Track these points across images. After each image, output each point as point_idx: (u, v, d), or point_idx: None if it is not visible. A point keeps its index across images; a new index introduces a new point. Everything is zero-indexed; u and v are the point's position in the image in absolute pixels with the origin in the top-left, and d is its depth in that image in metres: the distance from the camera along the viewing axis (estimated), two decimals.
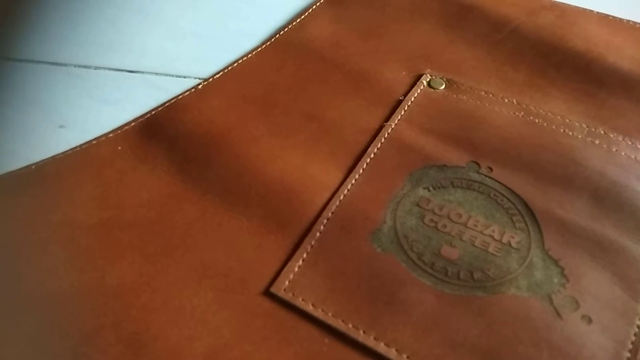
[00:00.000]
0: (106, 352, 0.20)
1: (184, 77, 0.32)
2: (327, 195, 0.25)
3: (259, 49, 0.34)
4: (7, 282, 0.22)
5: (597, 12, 0.35)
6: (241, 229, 0.24)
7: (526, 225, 0.24)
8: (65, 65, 0.33)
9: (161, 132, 0.29)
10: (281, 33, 0.35)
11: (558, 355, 0.20)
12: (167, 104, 0.30)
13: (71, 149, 0.28)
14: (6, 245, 0.23)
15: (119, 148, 0.28)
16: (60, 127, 0.29)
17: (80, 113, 0.30)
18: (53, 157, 0.27)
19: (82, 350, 0.20)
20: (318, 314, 0.21)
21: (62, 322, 0.21)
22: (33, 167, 0.27)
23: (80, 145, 0.28)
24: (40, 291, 0.22)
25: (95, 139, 0.28)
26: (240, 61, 0.33)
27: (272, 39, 0.34)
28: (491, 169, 0.26)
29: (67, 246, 0.23)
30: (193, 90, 0.31)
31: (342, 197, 0.25)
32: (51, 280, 0.22)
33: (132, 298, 0.22)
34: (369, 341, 0.20)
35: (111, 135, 0.29)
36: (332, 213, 0.24)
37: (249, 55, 0.33)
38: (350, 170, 0.26)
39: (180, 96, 0.31)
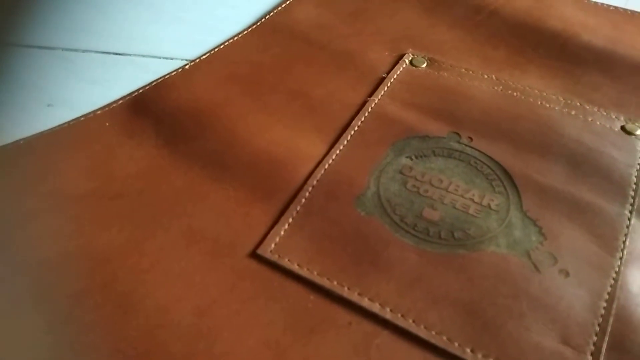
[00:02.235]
0: (96, 311, 0.20)
1: (171, 58, 0.33)
2: (312, 165, 0.26)
3: (245, 32, 0.34)
4: (4, 248, 0.22)
5: None
6: (228, 198, 0.25)
7: (505, 189, 0.24)
8: (54, 48, 0.33)
9: (148, 109, 0.29)
10: (267, 17, 0.35)
11: (537, 306, 0.20)
12: (154, 82, 0.31)
13: (59, 125, 0.28)
14: (0, 216, 0.23)
15: (107, 124, 0.28)
16: (49, 105, 0.30)
17: (68, 93, 0.31)
18: (41, 133, 0.27)
19: (72, 311, 0.20)
20: (304, 272, 0.21)
21: (52, 286, 0.21)
22: (21, 142, 0.27)
23: (69, 122, 0.28)
24: (31, 257, 0.22)
25: (83, 115, 0.29)
26: (226, 43, 0.33)
27: (258, 23, 0.35)
28: (471, 139, 0.27)
29: (56, 215, 0.24)
30: (180, 70, 0.31)
31: (326, 166, 0.25)
32: (40, 247, 0.22)
33: (120, 262, 0.22)
34: (354, 296, 0.21)
35: (99, 112, 0.29)
36: (317, 181, 0.25)
37: (235, 38, 0.34)
38: (335, 142, 0.27)
39: (167, 76, 0.31)
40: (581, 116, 0.28)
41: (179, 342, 0.19)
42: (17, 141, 0.27)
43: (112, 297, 0.21)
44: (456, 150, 0.26)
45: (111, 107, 0.29)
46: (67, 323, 0.20)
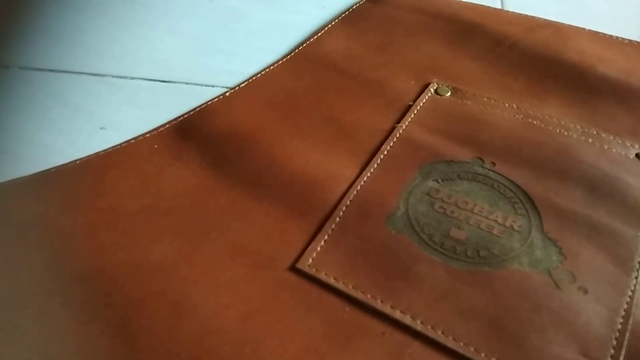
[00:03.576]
0: (152, 317, 0.22)
1: (212, 86, 0.36)
2: (345, 186, 0.28)
3: (280, 62, 0.37)
4: (61, 260, 0.24)
5: (589, 30, 0.38)
6: (268, 215, 0.27)
7: (527, 211, 0.26)
8: (104, 75, 0.36)
9: (193, 133, 0.31)
10: (300, 48, 0.38)
11: (557, 320, 0.22)
12: (198, 108, 0.33)
13: (112, 147, 0.30)
14: (59, 229, 0.26)
15: (155, 146, 0.31)
16: (101, 129, 0.32)
17: (118, 117, 0.33)
18: (96, 153, 0.30)
19: (130, 316, 0.22)
20: (339, 286, 0.23)
21: (111, 293, 0.23)
22: (78, 162, 0.29)
23: (120, 144, 0.31)
24: (91, 267, 0.24)
25: (133, 138, 0.31)
26: (262, 72, 0.36)
27: (292, 53, 0.38)
28: (494, 164, 0.29)
29: (113, 228, 0.26)
30: (221, 97, 0.34)
31: (359, 187, 0.27)
32: (100, 258, 0.24)
33: (173, 272, 0.24)
34: (386, 309, 0.22)
35: (148, 135, 0.31)
36: (350, 201, 0.27)
37: (271, 67, 0.36)
38: (366, 165, 0.29)
39: (210, 102, 0.34)
40: (598, 144, 0.29)
41: (227, 346, 0.21)
42: (74, 161, 0.30)
43: (166, 305, 0.23)
44: (480, 174, 0.28)
45: (159, 130, 0.32)
46: (126, 327, 0.22)
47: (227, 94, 0.34)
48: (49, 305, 0.23)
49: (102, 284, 0.23)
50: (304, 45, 0.38)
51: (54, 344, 0.22)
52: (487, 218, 0.26)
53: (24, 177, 0.28)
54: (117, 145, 0.31)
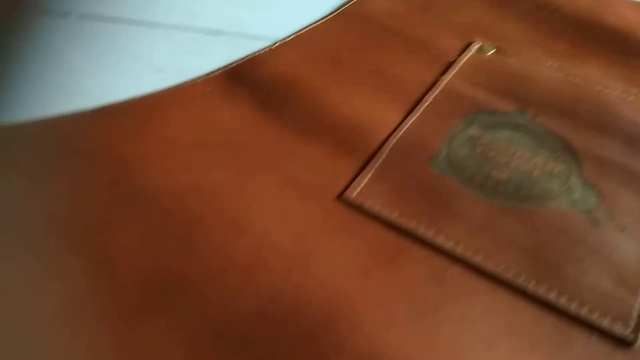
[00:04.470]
0: (211, 230, 0.24)
1: (261, 38, 0.37)
2: (389, 130, 0.29)
3: (326, 18, 0.38)
4: (125, 180, 0.26)
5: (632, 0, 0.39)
6: (315, 153, 0.28)
7: (566, 159, 0.27)
8: (160, 24, 0.38)
9: (243, 79, 0.33)
10: (345, 6, 0.39)
11: (593, 253, 0.23)
12: (248, 57, 0.35)
13: (167, 87, 0.32)
14: (122, 154, 0.28)
15: (208, 89, 0.32)
16: (157, 72, 0.34)
17: (173, 64, 0.35)
18: (154, 92, 0.32)
19: (191, 228, 0.24)
20: (384, 214, 0.25)
21: (170, 212, 0.25)
22: (137, 98, 0.31)
23: (175, 85, 0.32)
24: (154, 186, 0.26)
25: (186, 81, 0.33)
26: (309, 28, 0.37)
27: (337, 11, 0.39)
28: (535, 116, 0.29)
29: (172, 157, 0.27)
30: (269, 48, 0.35)
31: (402, 131, 0.29)
32: (161, 179, 0.26)
33: (227, 195, 0.26)
34: (429, 235, 0.24)
35: (200, 80, 0.33)
36: (395, 142, 0.28)
37: (317, 23, 0.38)
38: (409, 112, 0.30)
39: (259, 52, 0.35)
40: (637, 101, 0.30)
41: (280, 260, 0.23)
42: (134, 97, 0.31)
43: (224, 221, 0.24)
44: (521, 125, 0.29)
45: (211, 75, 0.33)
46: (188, 237, 0.24)
47: (275, 46, 0.36)
48: (114, 218, 0.25)
49: (164, 201, 0.25)
50: (350, 3, 0.39)
51: (119, 252, 0.23)
52: (527, 163, 0.27)
53: (87, 109, 0.30)
54: (173, 86, 0.32)
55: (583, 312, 0.21)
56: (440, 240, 0.24)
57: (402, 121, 0.29)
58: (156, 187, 0.26)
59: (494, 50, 0.34)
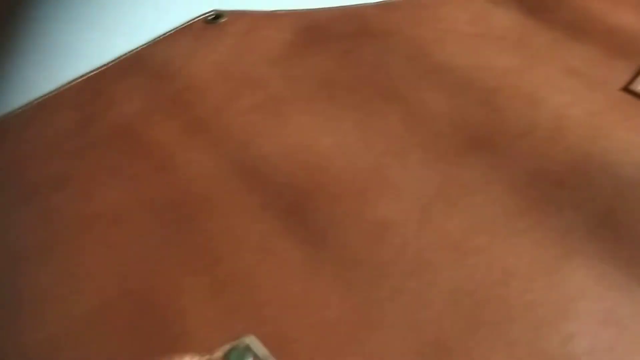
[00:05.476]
0: (511, 101, 0.27)
1: None
2: None
3: None
4: (422, 57, 0.30)
5: None
6: (591, 52, 0.30)
7: None
8: None
9: None
10: None
11: None
12: None
13: None
14: (412, 39, 0.31)
15: None
16: None
17: None
18: None
19: (491, 99, 0.27)
20: None
21: (470, 82, 0.28)
22: None
23: None
24: (448, 64, 0.29)
25: None
26: None
27: None
28: None
29: (455, 43, 0.31)
30: None
31: None
32: (452, 59, 0.30)
33: (518, 76, 0.28)
34: None
35: None
36: None
37: None
38: None
39: None
40: None
41: (582, 128, 0.25)
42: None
43: (521, 94, 0.27)
44: None
45: None
46: (493, 106, 0.27)
47: None
48: (420, 85, 0.28)
49: (462, 73, 0.29)
50: None
51: (431, 103, 0.27)
52: None
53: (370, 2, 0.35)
54: None
55: None
56: None
57: None
58: (451, 63, 0.29)
59: None
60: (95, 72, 0.31)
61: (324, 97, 0.28)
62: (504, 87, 0.28)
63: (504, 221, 0.22)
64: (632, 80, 0.28)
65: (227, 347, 0.19)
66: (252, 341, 0.19)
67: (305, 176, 0.25)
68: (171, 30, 0.33)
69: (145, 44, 0.32)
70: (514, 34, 0.32)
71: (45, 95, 0.30)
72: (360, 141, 0.26)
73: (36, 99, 0.30)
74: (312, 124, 0.27)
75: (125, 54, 0.32)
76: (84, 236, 0.23)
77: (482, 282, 0.20)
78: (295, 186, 0.24)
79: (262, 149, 0.26)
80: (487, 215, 0.22)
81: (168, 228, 0.23)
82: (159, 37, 0.33)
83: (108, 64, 0.31)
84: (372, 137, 0.26)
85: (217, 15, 0.34)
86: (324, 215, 0.23)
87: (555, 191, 0.23)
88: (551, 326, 0.19)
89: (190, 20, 0.34)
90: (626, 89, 0.27)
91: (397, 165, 0.25)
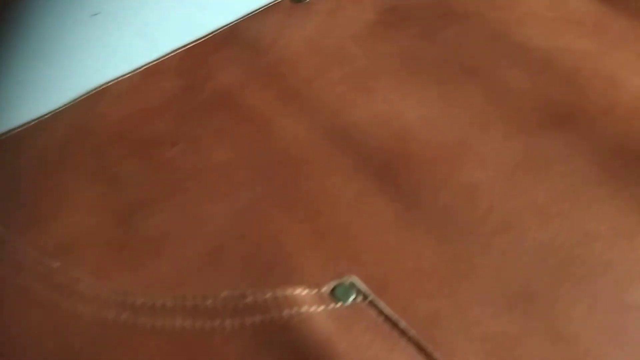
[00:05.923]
0: (591, 81, 0.28)
1: None
2: None
3: None
4: (504, 36, 0.32)
5: None
6: None
7: None
8: None
9: None
10: None
11: None
12: None
13: None
14: (493, 20, 0.33)
15: None
16: None
17: None
18: None
19: (572, 81, 0.29)
20: None
21: (550, 62, 0.30)
22: None
23: None
24: (528, 44, 0.31)
25: None
26: None
27: None
28: None
29: (534, 26, 0.32)
30: None
31: None
32: (531, 40, 0.31)
33: (597, 59, 0.30)
34: None
35: None
36: None
37: None
38: None
39: None
40: None
41: None
42: None
43: (601, 76, 0.29)
44: None
45: None
46: (576, 84, 0.28)
47: None
48: (498, 65, 0.30)
49: (541, 55, 0.30)
50: None
51: (513, 82, 0.29)
52: None
53: None
54: None
55: None
56: None
57: None
58: (530, 44, 0.31)
59: None
60: (194, 44, 0.34)
61: (409, 72, 0.30)
62: (583, 68, 0.29)
63: (586, 189, 0.24)
64: None
65: (333, 283, 0.21)
66: (355, 280, 0.22)
67: (394, 142, 0.27)
68: (261, 7, 0.35)
69: (238, 19, 0.35)
70: (591, 19, 0.33)
71: (149, 63, 0.33)
72: (445, 114, 0.28)
73: (141, 67, 0.33)
74: (398, 97, 0.29)
75: (221, 27, 0.34)
76: (197, 186, 0.26)
77: (565, 243, 0.22)
78: (386, 151, 0.26)
79: (352, 117, 0.28)
80: (569, 183, 0.24)
81: (271, 183, 0.26)
82: (251, 13, 0.35)
83: (206, 36, 0.34)
84: (455, 110, 0.28)
85: None
86: (414, 177, 0.25)
87: (636, 164, 0.24)
88: (632, 282, 0.21)
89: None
90: None
91: (481, 136, 0.27)
